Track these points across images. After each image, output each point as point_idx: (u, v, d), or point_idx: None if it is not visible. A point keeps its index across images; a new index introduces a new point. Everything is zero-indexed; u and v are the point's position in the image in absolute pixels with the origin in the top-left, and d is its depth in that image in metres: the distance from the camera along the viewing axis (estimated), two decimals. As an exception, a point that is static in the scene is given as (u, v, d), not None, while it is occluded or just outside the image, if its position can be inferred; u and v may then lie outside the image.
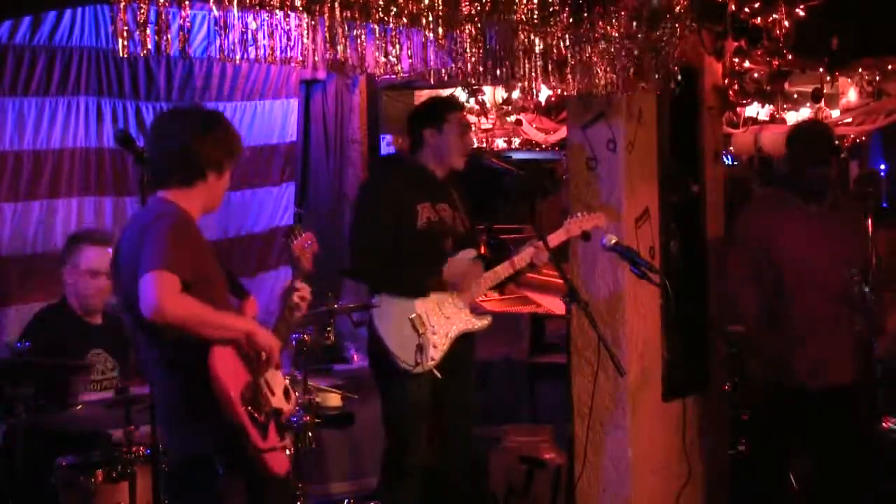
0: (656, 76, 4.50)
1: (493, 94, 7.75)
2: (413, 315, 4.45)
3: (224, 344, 3.14)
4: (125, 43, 3.12)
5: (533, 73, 4.13)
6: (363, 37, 3.71)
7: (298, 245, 3.67)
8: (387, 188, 4.59)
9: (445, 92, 7.12)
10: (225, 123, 3.39)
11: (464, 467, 4.77)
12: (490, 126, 8.05)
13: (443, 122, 4.60)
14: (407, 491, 4.54)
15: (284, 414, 3.41)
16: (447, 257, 4.56)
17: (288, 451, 3.54)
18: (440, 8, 3.70)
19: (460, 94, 7.49)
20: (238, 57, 3.48)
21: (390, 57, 3.80)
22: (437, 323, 4.49)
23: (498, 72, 4.07)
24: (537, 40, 4.09)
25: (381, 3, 3.60)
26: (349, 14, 3.56)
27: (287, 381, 3.52)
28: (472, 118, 7.82)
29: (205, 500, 3.23)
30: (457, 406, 4.67)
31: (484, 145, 8.06)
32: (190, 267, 3.09)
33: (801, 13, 5.56)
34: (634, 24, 4.23)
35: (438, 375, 4.47)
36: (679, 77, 4.66)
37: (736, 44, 5.42)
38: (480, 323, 4.63)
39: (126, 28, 3.12)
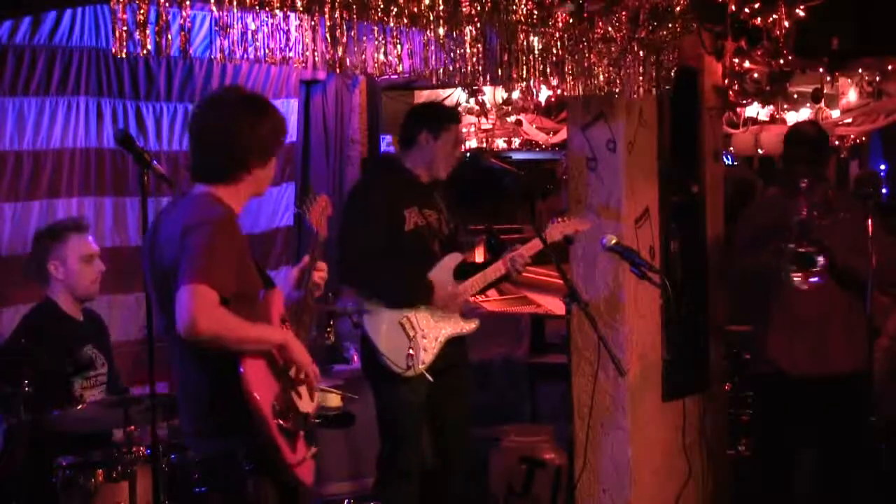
0: (656, 76, 4.50)
1: (493, 94, 7.75)
2: (403, 319, 4.45)
3: (255, 356, 3.05)
4: (124, 42, 3.12)
5: (533, 74, 4.13)
6: (363, 37, 3.71)
7: (316, 211, 3.53)
8: (377, 192, 4.58)
9: (445, 92, 7.12)
10: (270, 110, 3.22)
11: (463, 467, 4.76)
12: (490, 126, 8.05)
13: (441, 130, 4.58)
14: (404, 492, 4.53)
15: (311, 416, 3.25)
16: (436, 260, 4.57)
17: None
18: (440, 8, 3.70)
19: (460, 94, 7.49)
20: (238, 57, 3.47)
21: (390, 57, 3.80)
22: (426, 326, 4.49)
23: (498, 72, 4.07)
24: (537, 40, 4.09)
25: (380, 3, 3.59)
26: (349, 14, 3.56)
27: None
28: (471, 118, 7.85)
29: (232, 497, 3.12)
30: (453, 407, 4.67)
31: (484, 145, 8.06)
32: (232, 282, 2.99)
33: (801, 13, 5.55)
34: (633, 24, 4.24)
35: (430, 379, 4.47)
36: (678, 77, 4.66)
37: (736, 44, 5.42)
38: (469, 326, 4.64)
39: (126, 28, 3.11)
